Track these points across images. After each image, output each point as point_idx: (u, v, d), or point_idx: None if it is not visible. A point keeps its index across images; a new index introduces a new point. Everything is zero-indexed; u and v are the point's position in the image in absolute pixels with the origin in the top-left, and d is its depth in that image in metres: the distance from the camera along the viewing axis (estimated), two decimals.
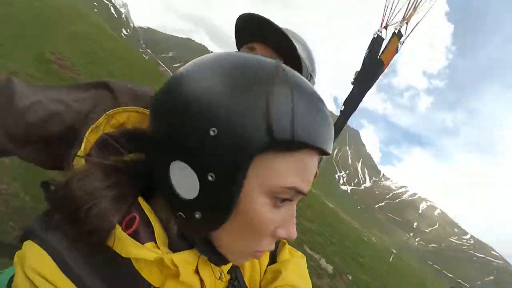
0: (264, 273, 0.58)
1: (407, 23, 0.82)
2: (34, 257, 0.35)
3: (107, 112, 0.46)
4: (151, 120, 0.41)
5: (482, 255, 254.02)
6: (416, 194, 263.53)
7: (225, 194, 0.36)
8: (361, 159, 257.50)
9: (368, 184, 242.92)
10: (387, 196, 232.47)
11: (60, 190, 0.38)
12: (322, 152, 0.39)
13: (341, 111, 0.85)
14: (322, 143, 0.37)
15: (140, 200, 0.42)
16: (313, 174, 0.41)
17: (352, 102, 0.85)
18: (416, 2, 0.80)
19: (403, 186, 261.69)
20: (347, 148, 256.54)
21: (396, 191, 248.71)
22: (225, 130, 0.34)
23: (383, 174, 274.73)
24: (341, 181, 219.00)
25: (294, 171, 0.37)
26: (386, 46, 0.82)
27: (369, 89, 0.86)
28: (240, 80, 0.35)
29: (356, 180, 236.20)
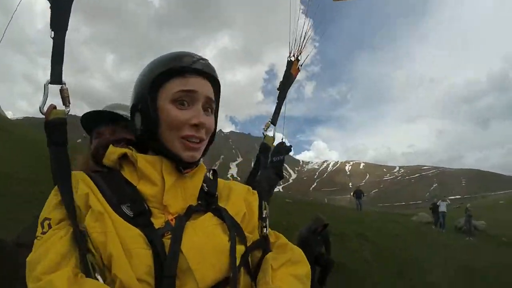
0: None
1: (300, 53, 1.39)
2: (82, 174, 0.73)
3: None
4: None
5: (417, 174, 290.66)
6: (338, 161, 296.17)
7: (148, 109, 0.73)
8: None
9: (294, 176, 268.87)
10: (315, 177, 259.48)
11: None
12: (191, 70, 0.74)
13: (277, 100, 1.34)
14: (181, 63, 0.74)
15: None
16: (195, 82, 0.74)
17: (279, 99, 1.33)
18: (303, 44, 1.38)
19: (324, 161, 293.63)
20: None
21: (321, 169, 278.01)
22: (140, 88, 0.77)
23: (301, 161, 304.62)
24: None
25: (178, 83, 0.73)
26: (291, 67, 1.38)
27: (287, 91, 1.37)
28: (143, 73, 0.78)
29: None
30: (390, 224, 13.67)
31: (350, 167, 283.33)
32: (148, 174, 0.73)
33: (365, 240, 9.58)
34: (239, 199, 0.84)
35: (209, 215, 0.73)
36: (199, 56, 0.77)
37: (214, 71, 0.79)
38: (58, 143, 0.76)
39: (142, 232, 0.64)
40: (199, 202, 0.76)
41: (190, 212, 0.71)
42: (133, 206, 0.68)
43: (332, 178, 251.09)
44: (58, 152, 0.75)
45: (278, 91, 1.35)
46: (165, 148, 0.73)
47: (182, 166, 0.75)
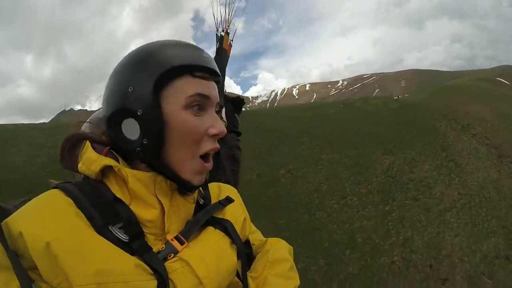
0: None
1: (228, 26, 1.35)
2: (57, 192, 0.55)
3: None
4: (105, 116, 0.60)
5: (359, 84, 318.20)
6: (284, 88, 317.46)
7: (154, 117, 0.55)
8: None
9: None
10: (267, 107, 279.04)
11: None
12: (207, 70, 0.59)
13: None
14: (194, 60, 0.58)
15: (110, 152, 0.60)
16: (210, 86, 0.60)
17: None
18: (230, 18, 1.36)
19: (272, 91, 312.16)
20: None
21: (270, 99, 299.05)
22: (136, 83, 0.56)
23: (251, 97, 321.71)
24: None
25: (191, 84, 0.57)
26: (223, 42, 1.34)
27: (225, 68, 1.37)
28: (139, 61, 0.57)
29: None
30: None
31: (297, 91, 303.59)
32: (144, 197, 0.58)
33: None
34: (236, 206, 0.73)
35: (210, 229, 0.64)
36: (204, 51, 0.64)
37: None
38: None
39: (140, 259, 0.52)
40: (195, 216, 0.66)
41: (191, 231, 0.62)
42: (128, 228, 0.54)
43: (282, 105, 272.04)
44: None
45: None
46: (172, 171, 0.58)
47: (188, 191, 0.63)
